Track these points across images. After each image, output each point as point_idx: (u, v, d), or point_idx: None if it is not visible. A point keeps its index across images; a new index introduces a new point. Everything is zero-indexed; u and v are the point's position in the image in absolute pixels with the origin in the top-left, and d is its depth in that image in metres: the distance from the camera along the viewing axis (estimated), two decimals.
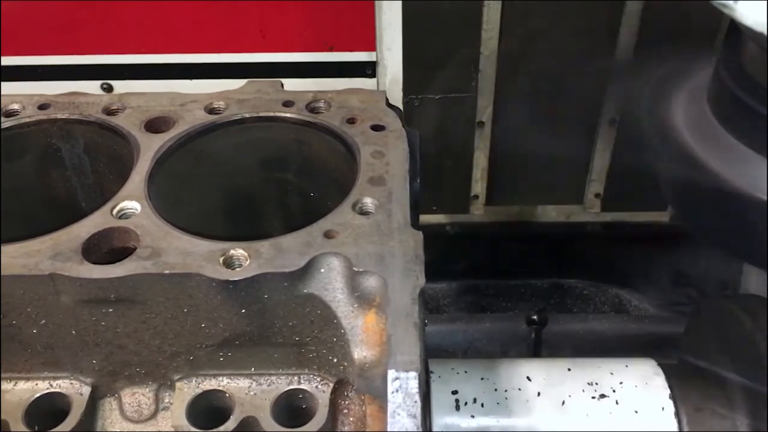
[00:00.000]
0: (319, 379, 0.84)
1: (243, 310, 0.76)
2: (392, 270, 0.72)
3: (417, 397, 0.64)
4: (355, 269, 0.73)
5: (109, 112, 0.97)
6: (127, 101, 0.98)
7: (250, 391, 0.83)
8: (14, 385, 0.84)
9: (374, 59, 1.02)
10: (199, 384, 0.84)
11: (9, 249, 0.76)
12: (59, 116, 0.96)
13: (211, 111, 0.97)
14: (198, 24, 0.99)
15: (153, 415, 0.85)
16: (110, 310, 0.76)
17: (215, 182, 0.98)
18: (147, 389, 0.85)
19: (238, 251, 0.75)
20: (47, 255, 0.75)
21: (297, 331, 0.79)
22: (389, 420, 0.63)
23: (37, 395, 0.83)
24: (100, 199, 1.06)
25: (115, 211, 0.81)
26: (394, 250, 0.75)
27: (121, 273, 0.73)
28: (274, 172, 0.99)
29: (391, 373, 0.64)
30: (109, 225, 0.79)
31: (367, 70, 1.02)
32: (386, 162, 0.87)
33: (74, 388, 0.84)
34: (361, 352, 0.74)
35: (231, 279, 0.73)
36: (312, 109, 0.96)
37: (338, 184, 0.91)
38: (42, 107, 0.98)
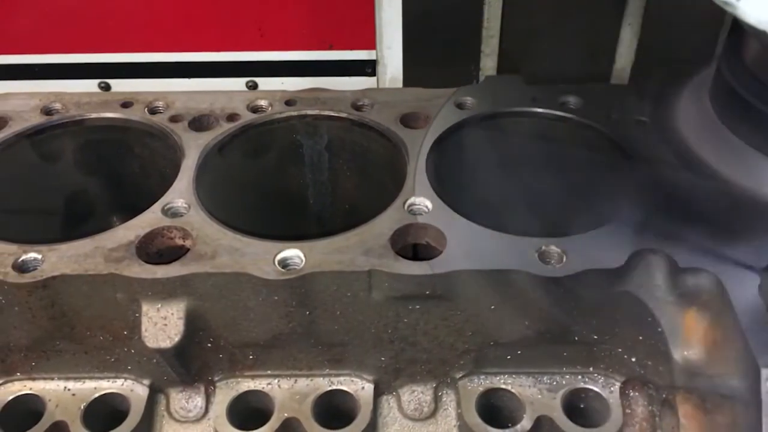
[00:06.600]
0: (603, 378, 0.82)
1: (554, 308, 0.75)
2: (725, 266, 0.70)
3: None
4: (681, 266, 0.71)
5: (357, 107, 0.96)
6: (374, 97, 0.97)
7: (537, 389, 0.82)
8: (294, 382, 0.83)
9: (374, 57, 0.99)
10: (481, 383, 0.83)
11: (319, 245, 0.75)
12: (309, 112, 0.96)
13: (459, 105, 0.96)
14: (197, 23, 0.98)
15: (432, 414, 0.84)
16: (417, 306, 0.75)
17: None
18: (427, 387, 0.84)
19: (551, 248, 0.74)
20: (359, 251, 0.74)
21: (597, 330, 0.78)
22: (764, 420, 0.62)
23: (323, 391, 0.83)
24: (329, 195, 1.06)
25: (413, 208, 0.80)
26: None
27: (444, 269, 0.72)
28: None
29: (765, 372, 0.62)
30: (407, 221, 0.78)
31: (367, 68, 1.00)
32: None
33: (356, 385, 0.83)
34: (681, 351, 0.72)
35: (554, 275, 0.71)
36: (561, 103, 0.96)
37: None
38: (288, 103, 0.97)
